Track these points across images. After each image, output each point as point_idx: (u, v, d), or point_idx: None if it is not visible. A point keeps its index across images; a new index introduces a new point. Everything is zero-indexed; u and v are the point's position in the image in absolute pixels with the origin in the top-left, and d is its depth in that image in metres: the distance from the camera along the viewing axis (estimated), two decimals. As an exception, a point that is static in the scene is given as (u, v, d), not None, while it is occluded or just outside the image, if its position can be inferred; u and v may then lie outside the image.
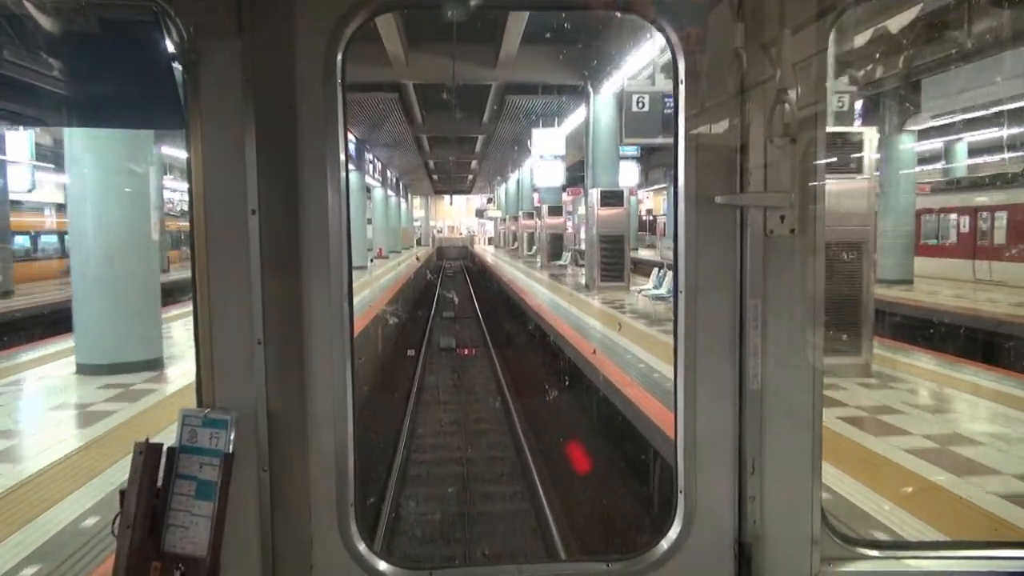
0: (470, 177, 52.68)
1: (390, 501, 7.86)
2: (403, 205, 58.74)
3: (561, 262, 26.76)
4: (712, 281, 1.89)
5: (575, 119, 22.51)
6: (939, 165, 25.75)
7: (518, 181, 41.72)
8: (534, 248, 36.06)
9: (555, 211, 28.37)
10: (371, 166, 33.07)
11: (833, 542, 1.95)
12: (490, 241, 69.84)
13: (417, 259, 41.40)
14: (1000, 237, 17.42)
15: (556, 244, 28.26)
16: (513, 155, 36.29)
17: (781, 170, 1.85)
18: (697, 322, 1.89)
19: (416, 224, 73.56)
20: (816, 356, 1.90)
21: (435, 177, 52.62)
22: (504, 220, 52.04)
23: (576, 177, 34.06)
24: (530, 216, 36.52)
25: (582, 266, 24.76)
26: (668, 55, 2.21)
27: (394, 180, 48.05)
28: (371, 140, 29.85)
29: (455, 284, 37.39)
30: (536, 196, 35.14)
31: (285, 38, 1.81)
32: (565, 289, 19.62)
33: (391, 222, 49.75)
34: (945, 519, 4.38)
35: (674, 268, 1.95)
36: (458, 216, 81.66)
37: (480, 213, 66.64)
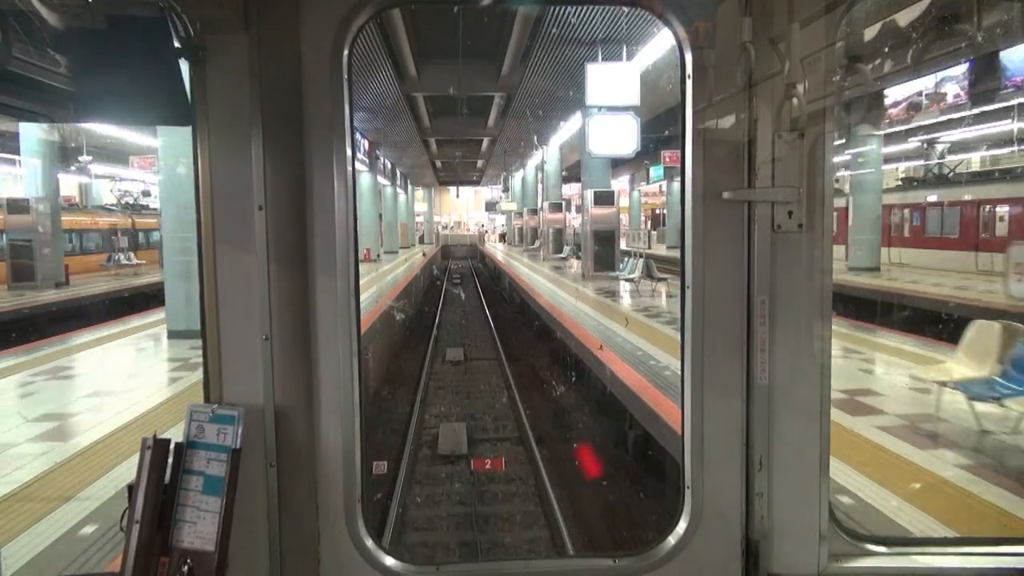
0: (480, 163, 48.49)
1: None
2: (401, 198, 51.22)
3: (629, 275, 19.64)
4: (720, 276, 2.05)
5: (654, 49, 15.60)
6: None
7: (542, 163, 35.18)
8: (565, 250, 31.20)
9: (605, 200, 22.07)
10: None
11: (841, 538, 2.09)
12: (501, 238, 61.66)
13: (424, 255, 38.60)
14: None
15: (606, 246, 21.78)
16: (538, 131, 30.58)
17: (789, 165, 1.98)
18: (705, 317, 2.06)
19: (418, 219, 65.98)
20: (824, 351, 2.06)
21: (438, 163, 48.73)
22: (521, 214, 47.37)
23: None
24: (557, 208, 32.37)
25: (661, 280, 18.72)
26: None
27: (388, 166, 43.58)
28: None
29: (464, 291, 32.56)
30: (571, 188, 29.57)
31: (291, 34, 1.96)
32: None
33: (386, 216, 41.89)
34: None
35: (681, 263, 2.13)
36: (465, 210, 73.35)
37: (491, 206, 61.16)
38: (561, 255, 30.82)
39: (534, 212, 41.70)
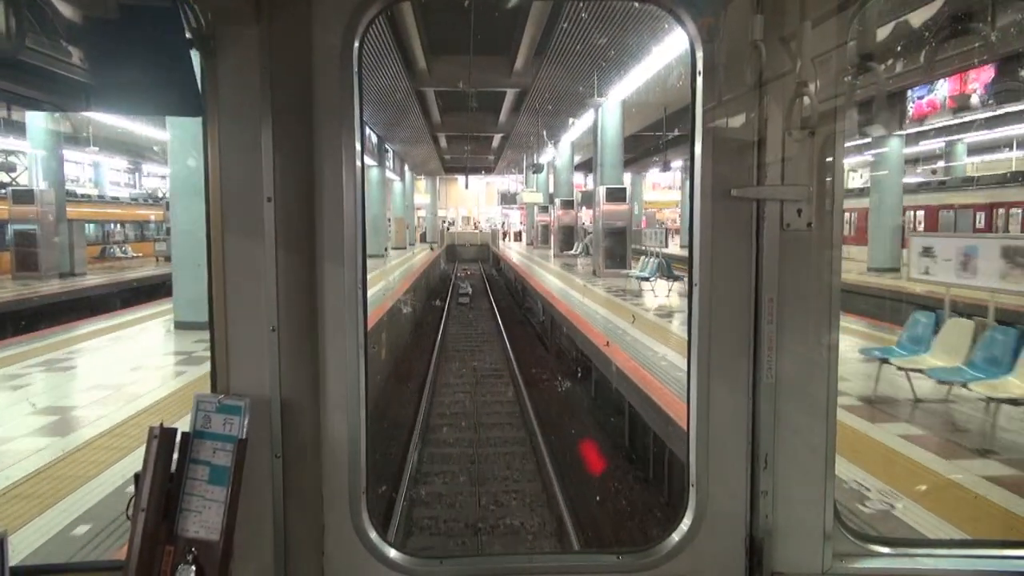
0: (495, 140, 44.44)
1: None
2: (397, 186, 52.45)
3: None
4: (728, 274, 2.18)
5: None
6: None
7: (596, 127, 26.74)
8: (643, 266, 22.81)
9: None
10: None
11: (846, 538, 2.21)
12: (517, 237, 58.62)
13: (427, 252, 35.72)
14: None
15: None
16: (599, 60, 22.02)
17: (799, 164, 2.11)
18: (712, 315, 2.20)
19: (419, 214, 66.83)
20: (831, 351, 2.19)
21: (442, 143, 45.76)
22: (547, 208, 42.65)
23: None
24: (618, 197, 25.51)
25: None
26: None
27: (374, 139, 37.92)
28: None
29: (477, 328, 25.19)
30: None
31: (302, 26, 2.11)
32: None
33: (372, 208, 39.83)
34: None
35: (689, 261, 2.25)
36: (476, 204, 72.59)
37: (508, 198, 56.53)
38: (642, 274, 21.63)
39: (569, 204, 35.50)
